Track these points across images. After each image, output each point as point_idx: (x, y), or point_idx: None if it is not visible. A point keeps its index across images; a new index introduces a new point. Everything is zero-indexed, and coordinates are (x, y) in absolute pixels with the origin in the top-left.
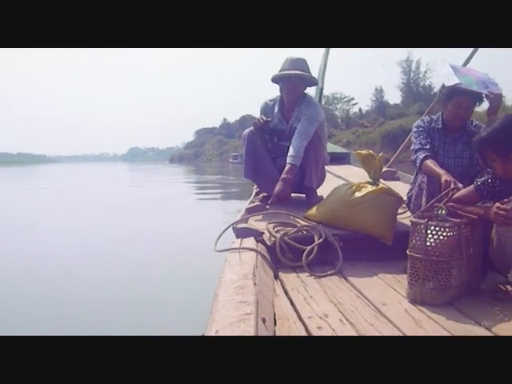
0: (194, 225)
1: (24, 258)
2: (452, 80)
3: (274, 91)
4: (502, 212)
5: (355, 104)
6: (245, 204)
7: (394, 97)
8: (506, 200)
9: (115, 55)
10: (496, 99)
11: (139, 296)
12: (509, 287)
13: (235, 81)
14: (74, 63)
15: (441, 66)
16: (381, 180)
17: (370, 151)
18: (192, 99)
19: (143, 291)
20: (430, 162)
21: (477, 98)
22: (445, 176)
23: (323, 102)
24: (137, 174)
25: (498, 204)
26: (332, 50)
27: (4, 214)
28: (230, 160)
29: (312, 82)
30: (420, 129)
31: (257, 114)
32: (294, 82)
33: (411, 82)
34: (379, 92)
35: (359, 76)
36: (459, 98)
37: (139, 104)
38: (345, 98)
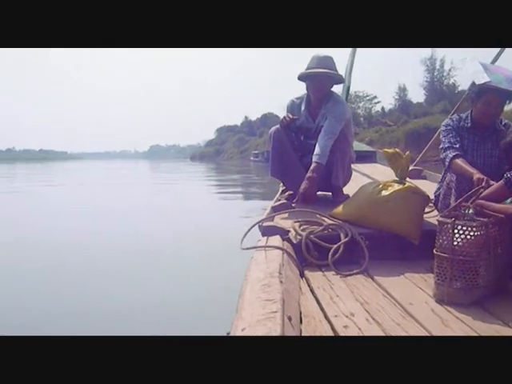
0: (218, 223)
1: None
2: (482, 78)
3: (297, 89)
4: None
5: (378, 102)
6: (270, 203)
7: (416, 95)
8: None
9: (137, 54)
10: None
11: (167, 293)
12: None
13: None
14: (97, 62)
15: (470, 63)
16: (407, 179)
17: (397, 150)
18: (214, 96)
19: (171, 289)
20: (460, 161)
21: (506, 96)
22: (477, 174)
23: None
24: (157, 172)
25: None
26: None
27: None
28: (251, 158)
29: (339, 79)
30: (449, 127)
31: (278, 112)
32: (320, 80)
33: (435, 80)
34: (402, 90)
35: (382, 74)
36: (489, 95)
37: (161, 101)
38: (367, 96)
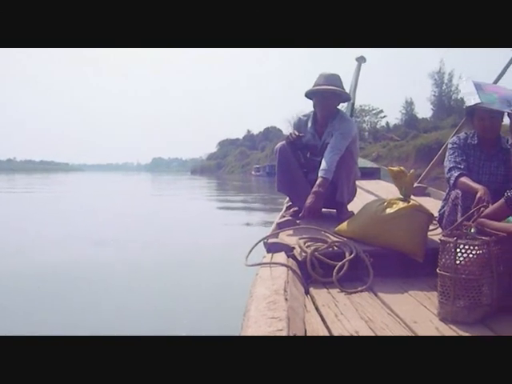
0: (223, 239)
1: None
2: (473, 99)
3: (301, 103)
4: None
5: (384, 117)
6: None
7: (423, 110)
8: None
9: (140, 65)
10: None
11: (170, 309)
12: None
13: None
14: (100, 74)
15: (465, 83)
16: (411, 196)
17: (402, 168)
18: (216, 110)
19: (174, 304)
20: (464, 179)
21: (499, 112)
22: (481, 191)
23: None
24: (151, 185)
25: None
26: (366, 59)
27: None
28: (253, 172)
29: (346, 97)
30: (455, 145)
31: (281, 126)
32: (327, 98)
33: (443, 94)
34: (409, 105)
35: (388, 88)
36: (480, 112)
37: (164, 113)
38: (373, 110)
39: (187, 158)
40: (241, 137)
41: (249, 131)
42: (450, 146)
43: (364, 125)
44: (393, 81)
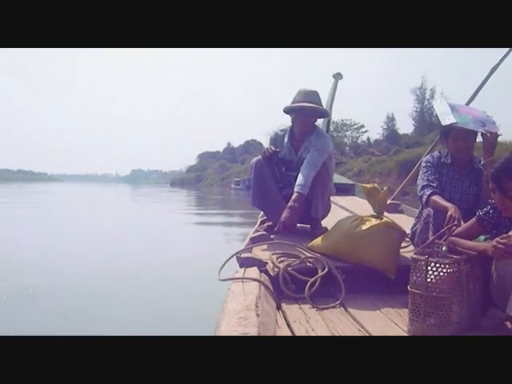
0: (197, 252)
1: None
2: (448, 119)
3: (282, 117)
4: (500, 246)
5: (365, 132)
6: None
7: (404, 126)
8: (505, 235)
9: (120, 74)
10: (491, 138)
11: (139, 323)
12: (509, 324)
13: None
14: (80, 83)
15: (439, 104)
16: (385, 213)
17: (375, 185)
18: (197, 122)
19: (144, 318)
20: (436, 198)
21: (473, 132)
22: (451, 210)
23: (331, 129)
24: (129, 198)
25: (497, 238)
26: (343, 76)
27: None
28: (232, 186)
29: (324, 114)
30: (429, 164)
31: (262, 139)
32: (306, 114)
33: (425, 110)
34: (391, 120)
35: (369, 104)
36: (455, 131)
37: (144, 125)
38: (355, 124)
39: (167, 171)
40: (221, 149)
41: (229, 144)
42: (423, 164)
43: (345, 139)
44: (374, 96)
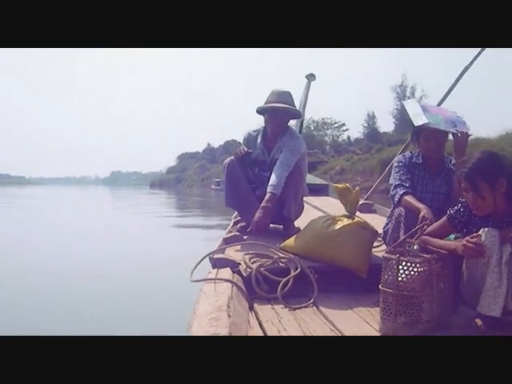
0: (170, 253)
1: None
2: (421, 120)
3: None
4: (470, 245)
5: (346, 130)
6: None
7: (384, 124)
8: (474, 234)
9: (99, 77)
10: (462, 138)
11: (112, 323)
12: (479, 321)
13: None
14: (58, 85)
15: (411, 105)
16: (358, 213)
17: (347, 185)
18: (176, 123)
19: (117, 318)
20: (408, 198)
21: (445, 132)
22: (424, 211)
23: (312, 128)
24: (108, 200)
25: (467, 238)
26: (322, 75)
27: None
28: (213, 186)
29: (297, 115)
30: (401, 164)
31: (241, 139)
32: (279, 115)
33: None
34: (371, 118)
35: (349, 103)
36: (426, 131)
37: (123, 126)
38: (335, 123)
39: (146, 172)
40: (201, 150)
41: (209, 144)
42: (395, 164)
43: (326, 138)
44: (354, 94)
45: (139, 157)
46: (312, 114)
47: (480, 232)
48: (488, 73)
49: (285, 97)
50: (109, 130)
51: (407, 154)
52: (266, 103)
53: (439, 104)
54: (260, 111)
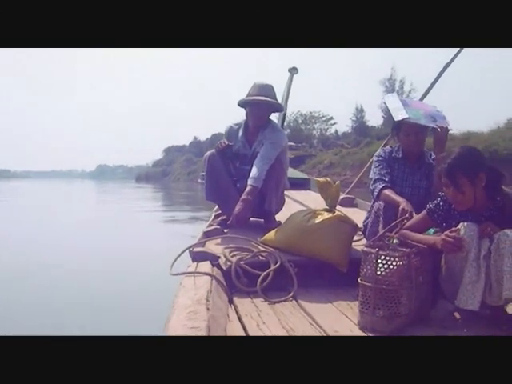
0: (153, 247)
1: None
2: (401, 114)
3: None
4: (449, 239)
5: (334, 124)
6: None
7: (373, 118)
8: (454, 229)
9: (86, 71)
10: (442, 133)
11: (89, 316)
12: (457, 314)
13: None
14: (44, 78)
15: (391, 99)
16: (339, 207)
17: (328, 179)
18: (163, 116)
19: (94, 312)
20: (388, 192)
21: (424, 127)
22: (403, 204)
23: (300, 121)
24: (92, 195)
25: (446, 232)
26: (308, 69)
27: None
28: (199, 180)
29: (279, 108)
30: (380, 158)
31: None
32: (260, 108)
33: None
34: (360, 112)
35: (338, 97)
36: (406, 126)
37: (110, 119)
38: (323, 117)
39: (133, 165)
40: (187, 143)
41: (196, 138)
42: (375, 158)
43: (314, 132)
44: (343, 88)
45: (126, 150)
46: (300, 107)
47: (459, 226)
48: (478, 69)
49: (267, 90)
50: (96, 123)
51: (387, 148)
52: (247, 96)
53: (422, 99)
54: (241, 104)
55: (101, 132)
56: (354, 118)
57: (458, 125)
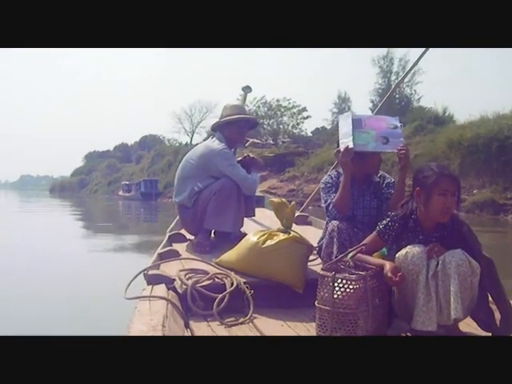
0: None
1: None
2: (347, 144)
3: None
4: (390, 276)
5: (307, 117)
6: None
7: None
8: (393, 265)
9: (7, 78)
10: (401, 154)
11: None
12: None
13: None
14: None
15: (344, 122)
16: (294, 225)
17: (283, 200)
18: (87, 122)
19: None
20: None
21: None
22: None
23: (262, 113)
24: None
25: (388, 268)
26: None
27: None
28: (121, 193)
29: (254, 125)
30: (328, 184)
31: (159, 131)
32: (242, 126)
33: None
34: (344, 101)
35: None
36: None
37: (33, 127)
38: (294, 107)
39: (57, 176)
40: (111, 148)
41: (122, 142)
42: (322, 186)
43: (281, 126)
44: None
45: (50, 160)
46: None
47: (406, 249)
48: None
49: (243, 109)
50: (18, 129)
51: (333, 173)
52: (222, 118)
53: (389, 96)
54: (220, 127)
55: (25, 140)
56: (336, 110)
57: None
